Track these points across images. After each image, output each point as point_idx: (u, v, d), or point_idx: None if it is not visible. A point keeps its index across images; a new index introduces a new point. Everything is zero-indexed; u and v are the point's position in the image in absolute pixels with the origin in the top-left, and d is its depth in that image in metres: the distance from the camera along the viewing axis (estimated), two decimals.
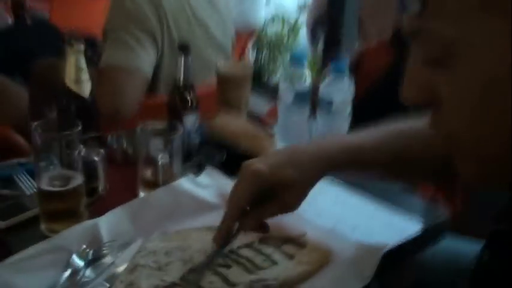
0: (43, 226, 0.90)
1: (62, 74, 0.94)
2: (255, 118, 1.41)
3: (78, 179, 0.88)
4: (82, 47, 0.94)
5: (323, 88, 1.15)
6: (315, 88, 1.16)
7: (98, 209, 0.92)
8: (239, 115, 1.28)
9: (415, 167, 0.87)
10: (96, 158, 0.89)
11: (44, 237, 0.89)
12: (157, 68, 1.42)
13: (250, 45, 2.89)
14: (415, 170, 0.88)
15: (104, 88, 1.26)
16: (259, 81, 3.14)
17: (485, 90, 0.46)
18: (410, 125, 0.84)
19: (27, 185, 1.03)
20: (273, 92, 1.91)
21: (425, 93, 0.51)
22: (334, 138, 0.88)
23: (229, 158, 1.14)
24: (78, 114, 0.96)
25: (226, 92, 1.30)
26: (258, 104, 1.69)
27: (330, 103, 1.13)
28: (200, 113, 1.17)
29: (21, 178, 1.05)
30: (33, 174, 1.04)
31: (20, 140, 1.28)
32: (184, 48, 1.08)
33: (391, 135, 0.84)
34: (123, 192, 1.01)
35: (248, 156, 1.14)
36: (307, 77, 1.18)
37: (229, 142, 1.17)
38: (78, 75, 0.95)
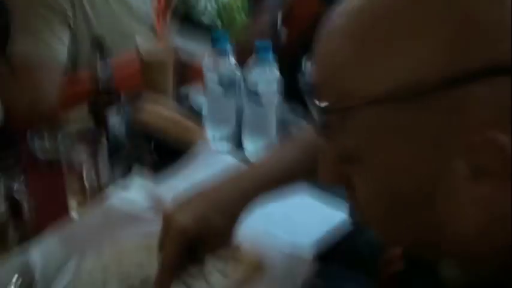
0: None
1: None
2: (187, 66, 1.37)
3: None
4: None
5: (249, 78, 1.13)
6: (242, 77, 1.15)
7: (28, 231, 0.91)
8: (166, 102, 1.25)
9: None
10: (16, 197, 0.86)
11: None
12: (73, 48, 1.35)
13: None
14: None
15: (17, 85, 1.19)
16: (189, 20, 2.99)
17: (391, 198, 0.48)
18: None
19: None
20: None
21: (341, 179, 0.53)
22: (247, 172, 0.84)
23: (159, 153, 1.13)
24: None
25: (150, 76, 1.27)
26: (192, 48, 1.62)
27: (257, 94, 1.12)
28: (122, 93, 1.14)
29: None
30: None
31: None
32: (100, 47, 1.03)
33: (302, 151, 0.84)
34: (51, 203, 0.99)
35: (178, 150, 1.14)
36: (231, 63, 1.16)
37: (158, 136, 1.15)
38: None
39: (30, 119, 1.19)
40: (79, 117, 1.14)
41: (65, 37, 1.32)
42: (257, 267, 0.87)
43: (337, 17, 0.49)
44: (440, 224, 0.47)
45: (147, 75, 1.26)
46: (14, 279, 0.83)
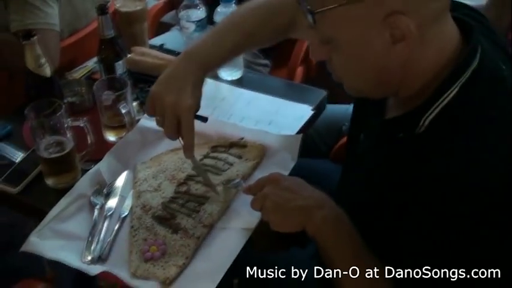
0: (49, 182, 1.18)
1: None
2: None
3: (70, 144, 1.15)
4: (36, 39, 1.14)
5: (217, 15, 1.44)
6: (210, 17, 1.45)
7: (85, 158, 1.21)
8: (146, 47, 1.54)
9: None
10: (81, 124, 1.15)
11: (54, 190, 1.17)
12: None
13: None
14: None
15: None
16: None
17: (357, 62, 0.85)
18: None
19: (11, 153, 1.26)
20: None
21: (323, 56, 0.88)
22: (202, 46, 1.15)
23: None
24: (46, 90, 1.18)
25: (130, 28, 1.53)
26: None
27: None
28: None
29: (2, 147, 1.27)
30: (9, 139, 1.28)
31: None
32: (101, 10, 1.29)
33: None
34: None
35: None
36: (200, 6, 1.46)
37: (152, 73, 1.45)
38: (38, 61, 1.16)
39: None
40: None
41: (55, 5, 1.54)
42: (261, 148, 1.23)
43: None
44: (392, 75, 0.84)
45: (125, 28, 1.53)
46: (94, 185, 1.14)
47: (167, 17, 2.27)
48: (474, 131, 0.81)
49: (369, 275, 0.92)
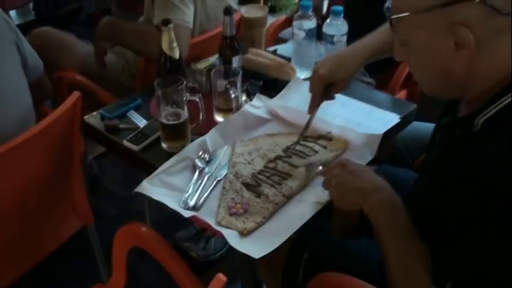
0: (164, 145, 1.42)
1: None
2: None
3: (185, 115, 1.38)
4: (172, 26, 1.40)
5: (326, 27, 1.64)
6: (319, 27, 1.65)
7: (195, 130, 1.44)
8: (262, 50, 1.77)
9: None
10: (197, 99, 1.39)
11: (166, 152, 1.40)
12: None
13: None
14: None
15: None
16: None
17: (429, 71, 0.99)
18: None
19: (138, 120, 1.52)
20: None
21: (403, 56, 1.03)
22: (360, 44, 1.44)
23: (265, 83, 1.64)
24: (173, 69, 1.44)
25: (250, 32, 1.77)
26: None
27: (332, 36, 1.63)
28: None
29: (132, 115, 1.54)
30: (138, 110, 1.55)
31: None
32: (227, 11, 1.54)
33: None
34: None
35: (276, 80, 1.65)
36: (313, 18, 1.66)
37: (262, 72, 1.67)
38: (171, 45, 1.42)
39: None
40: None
41: (191, 6, 1.82)
42: (344, 142, 1.39)
43: None
44: (457, 78, 0.98)
45: (248, 31, 1.77)
46: (199, 155, 1.37)
47: (285, 33, 2.49)
48: None
49: (415, 255, 1.04)
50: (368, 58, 1.43)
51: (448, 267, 0.97)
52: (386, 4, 1.02)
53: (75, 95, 1.52)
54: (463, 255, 0.95)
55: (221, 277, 0.98)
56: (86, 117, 1.56)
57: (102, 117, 1.54)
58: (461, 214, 0.95)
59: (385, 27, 1.42)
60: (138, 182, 1.30)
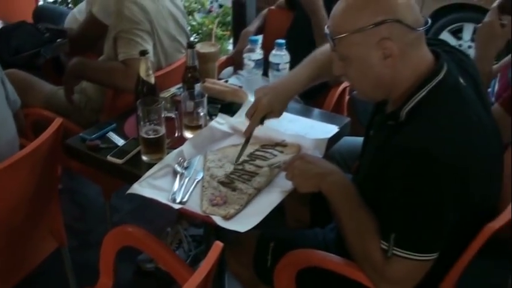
0: (145, 158, 1.64)
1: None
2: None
3: (162, 130, 1.62)
4: (148, 56, 1.66)
5: (271, 57, 1.95)
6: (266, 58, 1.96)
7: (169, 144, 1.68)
8: (216, 79, 2.05)
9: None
10: (173, 116, 1.64)
11: (147, 164, 1.62)
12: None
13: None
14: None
15: (129, 75, 1.93)
16: None
17: (364, 78, 1.32)
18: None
19: (116, 139, 1.74)
20: None
21: (342, 71, 1.34)
22: (290, 77, 1.70)
23: (222, 106, 1.92)
24: (149, 92, 1.68)
25: (205, 65, 2.05)
26: None
27: (277, 64, 1.94)
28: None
29: (111, 136, 1.76)
30: (114, 132, 1.76)
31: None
32: (190, 45, 1.82)
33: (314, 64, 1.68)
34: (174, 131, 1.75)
35: (232, 104, 1.92)
36: (259, 50, 1.97)
37: (219, 97, 1.94)
38: (148, 72, 1.67)
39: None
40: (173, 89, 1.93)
41: (151, 44, 2.09)
42: (297, 147, 1.68)
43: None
44: (386, 81, 1.30)
45: (203, 64, 2.04)
46: (178, 162, 1.60)
47: (224, 73, 2.78)
48: (432, 118, 1.25)
49: (364, 220, 1.33)
50: (299, 91, 1.69)
51: (390, 224, 1.27)
52: (326, 29, 1.34)
53: (58, 121, 1.72)
54: (397, 212, 1.26)
55: (218, 244, 1.21)
56: (67, 140, 1.76)
57: (83, 140, 1.75)
58: (392, 184, 1.26)
59: (310, 60, 1.69)
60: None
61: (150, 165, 1.60)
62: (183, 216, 2.22)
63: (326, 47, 1.58)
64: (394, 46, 1.25)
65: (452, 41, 4.34)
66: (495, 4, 1.83)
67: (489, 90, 1.99)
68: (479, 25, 1.89)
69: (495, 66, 2.05)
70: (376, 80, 1.32)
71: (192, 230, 2.40)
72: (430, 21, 1.34)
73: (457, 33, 4.35)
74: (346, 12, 1.29)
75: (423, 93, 1.28)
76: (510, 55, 1.97)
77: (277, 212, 1.53)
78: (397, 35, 1.25)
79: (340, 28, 1.30)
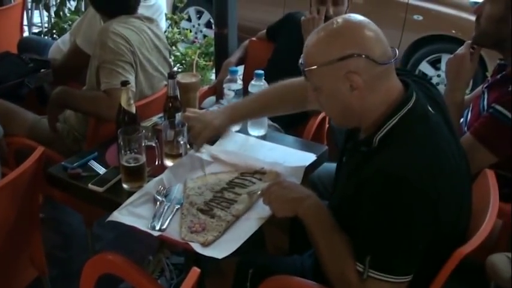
0: (125, 185, 1.66)
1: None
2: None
3: (143, 158, 1.65)
4: (129, 87, 1.70)
5: (251, 86, 2.00)
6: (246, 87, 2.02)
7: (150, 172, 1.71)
8: (197, 108, 2.09)
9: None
10: (153, 144, 1.67)
11: (127, 192, 1.65)
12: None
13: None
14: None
15: (111, 104, 1.97)
16: None
17: (335, 107, 1.37)
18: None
19: (98, 168, 1.77)
20: None
21: (316, 99, 1.39)
22: (242, 109, 1.85)
23: None
24: (130, 122, 1.71)
25: (186, 95, 2.09)
26: None
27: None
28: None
29: (92, 164, 1.78)
30: (96, 160, 1.79)
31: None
32: (171, 76, 1.86)
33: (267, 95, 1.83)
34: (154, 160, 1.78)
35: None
36: (239, 81, 2.02)
37: None
38: (129, 102, 1.71)
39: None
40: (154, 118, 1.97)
41: (133, 74, 2.13)
42: (276, 174, 1.72)
43: (315, 32, 1.37)
44: (355, 111, 1.35)
45: (184, 94, 2.09)
46: (158, 190, 1.63)
47: (206, 103, 2.83)
48: (405, 144, 1.30)
49: (339, 243, 1.37)
50: (245, 118, 1.91)
51: (365, 246, 1.30)
52: (300, 60, 1.40)
53: (40, 150, 1.75)
54: (371, 235, 1.30)
55: (195, 270, 1.24)
56: (49, 169, 1.78)
57: (64, 169, 1.77)
58: (366, 208, 1.30)
59: (263, 93, 1.85)
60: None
61: (130, 193, 1.62)
62: (164, 244, 2.23)
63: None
64: (360, 79, 1.31)
65: (430, 71, 4.45)
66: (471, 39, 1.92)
67: (461, 120, 2.05)
68: (450, 56, 1.97)
69: (467, 97, 2.12)
70: (345, 110, 1.37)
71: (174, 259, 2.40)
72: (397, 52, 1.39)
73: (435, 64, 4.45)
74: (317, 46, 1.35)
75: (394, 121, 1.33)
76: (481, 86, 2.04)
77: (258, 240, 1.56)
78: (364, 69, 1.31)
79: (311, 60, 1.36)
